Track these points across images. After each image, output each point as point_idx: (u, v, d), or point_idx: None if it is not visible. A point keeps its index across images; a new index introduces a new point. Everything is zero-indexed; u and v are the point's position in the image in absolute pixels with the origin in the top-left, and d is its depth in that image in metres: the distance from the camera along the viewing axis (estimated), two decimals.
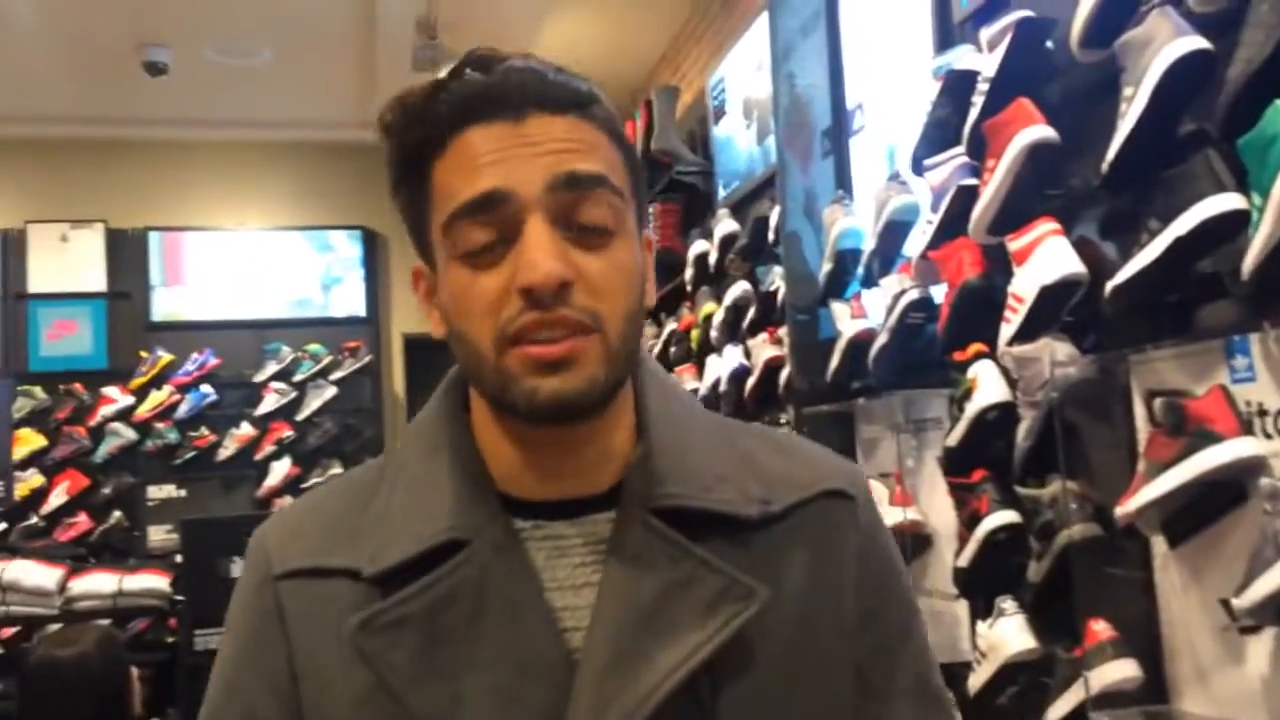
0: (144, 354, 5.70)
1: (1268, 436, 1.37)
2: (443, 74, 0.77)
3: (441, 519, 0.76)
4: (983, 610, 1.94)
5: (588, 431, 0.77)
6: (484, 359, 0.74)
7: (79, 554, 3.87)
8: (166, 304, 5.84)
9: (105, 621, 3.32)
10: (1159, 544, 1.56)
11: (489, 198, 0.72)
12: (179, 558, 3.69)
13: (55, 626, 4.29)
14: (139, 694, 2.55)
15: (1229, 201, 1.36)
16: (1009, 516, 1.85)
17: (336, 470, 5.71)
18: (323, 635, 0.76)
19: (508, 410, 0.75)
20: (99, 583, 3.41)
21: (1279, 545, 1.23)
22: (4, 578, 3.36)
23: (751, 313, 3.17)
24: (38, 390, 5.57)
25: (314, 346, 5.85)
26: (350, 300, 6.03)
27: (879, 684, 0.81)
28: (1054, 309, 1.73)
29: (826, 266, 2.57)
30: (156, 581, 3.46)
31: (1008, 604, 1.84)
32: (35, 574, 3.39)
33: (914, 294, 2.19)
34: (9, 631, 4.81)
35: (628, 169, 0.78)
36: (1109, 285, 1.55)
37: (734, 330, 3.30)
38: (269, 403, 5.76)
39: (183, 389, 5.69)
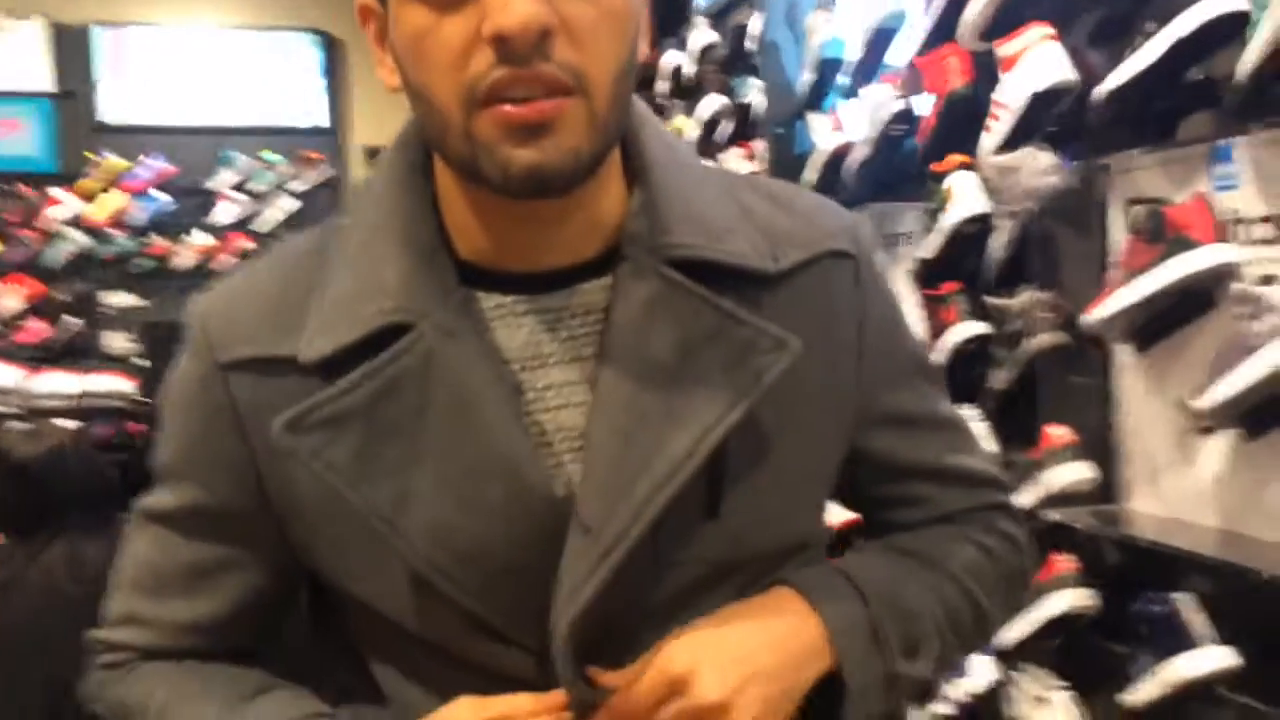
0: (90, 155, 5.51)
1: (1245, 244, 1.38)
2: None
3: (385, 298, 0.67)
4: None
5: (572, 201, 0.67)
6: (449, 121, 0.62)
7: (38, 355, 3.83)
8: (115, 106, 5.60)
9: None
10: (1122, 352, 1.59)
11: None
12: (141, 362, 3.65)
13: (20, 425, 4.31)
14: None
15: (1231, 1, 1.33)
16: (978, 327, 1.87)
17: None
18: None
19: (478, 181, 0.64)
20: (62, 383, 3.41)
21: (1248, 347, 1.26)
22: None
23: (724, 126, 3.10)
24: None
25: (272, 155, 5.67)
26: (311, 110, 5.82)
27: (886, 413, 0.79)
28: (1040, 117, 1.70)
29: (807, 77, 2.51)
30: (120, 384, 3.46)
31: (970, 411, 1.88)
32: None
33: (897, 104, 2.15)
34: None
35: None
36: (1100, 90, 1.52)
37: (707, 146, 3.23)
38: (227, 213, 5.63)
39: (135, 195, 5.53)
